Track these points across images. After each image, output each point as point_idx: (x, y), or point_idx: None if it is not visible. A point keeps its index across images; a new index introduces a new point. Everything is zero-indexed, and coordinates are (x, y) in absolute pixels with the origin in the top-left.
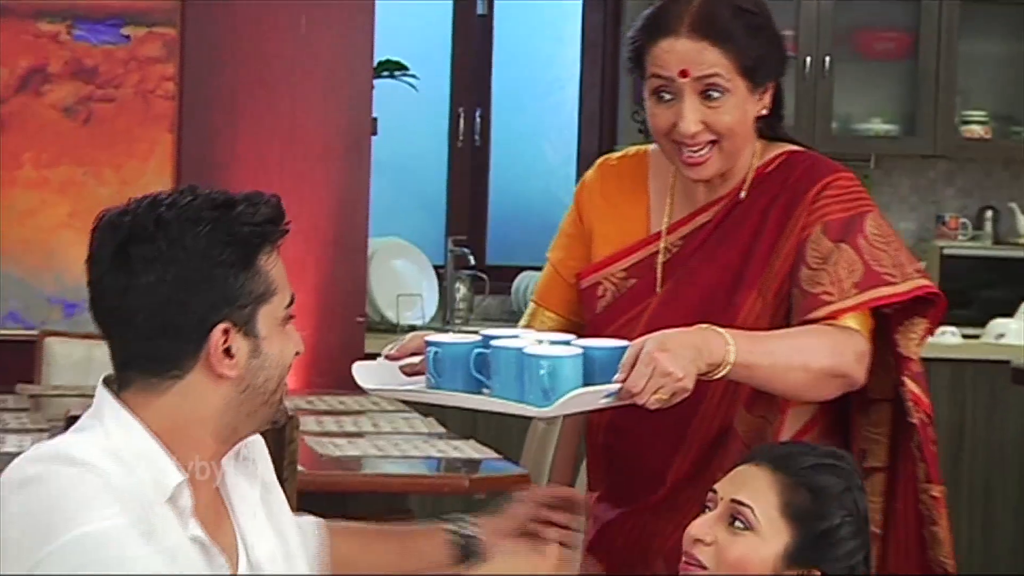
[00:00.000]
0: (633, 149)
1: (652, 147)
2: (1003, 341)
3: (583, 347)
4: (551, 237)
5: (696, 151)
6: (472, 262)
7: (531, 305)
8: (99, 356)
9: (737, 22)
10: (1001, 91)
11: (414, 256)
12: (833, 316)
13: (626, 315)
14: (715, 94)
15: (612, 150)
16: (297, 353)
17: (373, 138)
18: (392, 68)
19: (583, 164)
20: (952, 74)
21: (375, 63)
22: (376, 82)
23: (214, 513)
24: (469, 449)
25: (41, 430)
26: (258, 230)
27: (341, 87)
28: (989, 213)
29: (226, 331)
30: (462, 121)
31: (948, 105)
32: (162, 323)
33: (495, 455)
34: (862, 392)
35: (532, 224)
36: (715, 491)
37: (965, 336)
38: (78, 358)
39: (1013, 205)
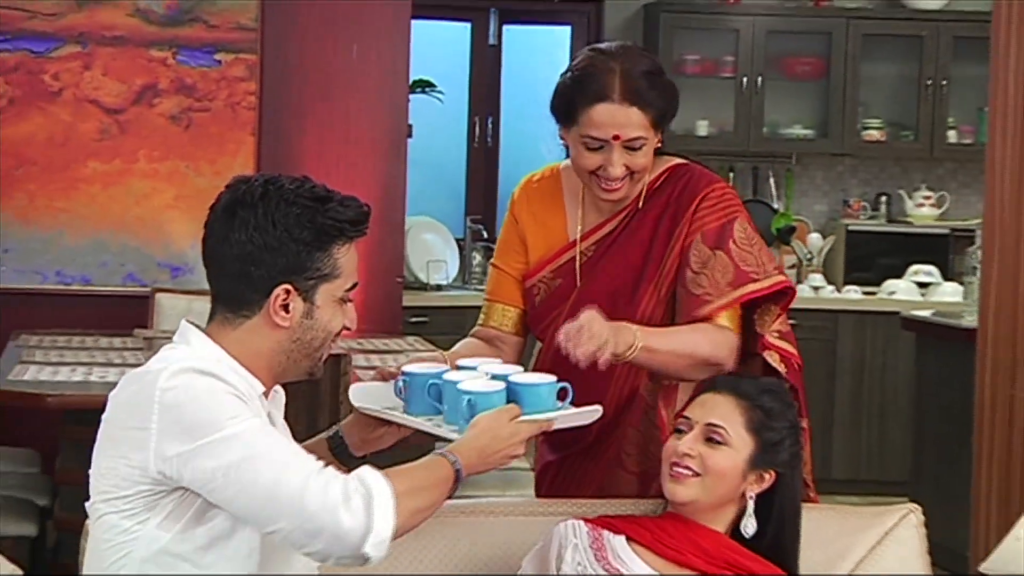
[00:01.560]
0: (548, 169)
1: (562, 165)
2: (894, 296)
3: (512, 382)
4: None
5: (615, 187)
6: (485, 235)
7: (485, 304)
8: (197, 308)
9: (651, 87)
10: (893, 104)
11: (440, 231)
12: (713, 314)
13: (556, 309)
14: (636, 147)
15: None
16: (347, 327)
17: (409, 140)
18: (423, 85)
19: None
20: (855, 91)
21: (410, 81)
22: (411, 96)
23: None
24: None
25: None
26: (338, 225)
27: (384, 100)
28: (884, 198)
29: (287, 291)
30: (477, 127)
31: (852, 115)
32: (242, 272)
33: None
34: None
35: None
36: (688, 417)
37: (865, 293)
38: (181, 309)
39: (902, 192)
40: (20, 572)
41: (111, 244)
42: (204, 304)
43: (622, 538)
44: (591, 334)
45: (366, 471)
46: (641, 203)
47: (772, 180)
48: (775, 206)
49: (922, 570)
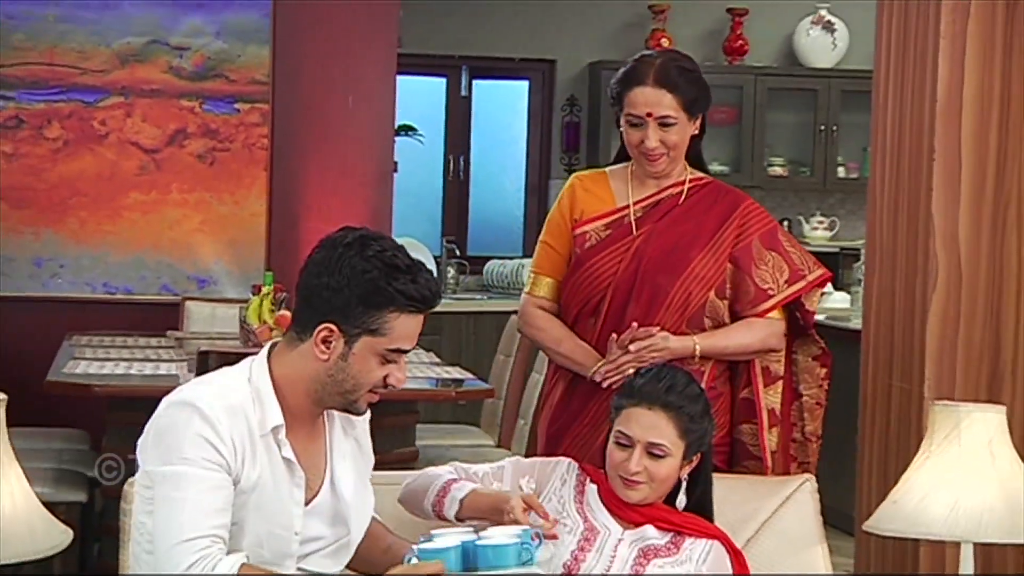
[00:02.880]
0: (594, 170)
1: (608, 170)
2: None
3: (468, 541)
4: (509, 238)
5: (655, 156)
6: (458, 253)
7: (532, 275)
8: (219, 314)
9: (681, 77)
10: (793, 145)
11: (421, 249)
12: (772, 308)
13: (608, 249)
14: (668, 124)
15: (548, 182)
16: (389, 385)
17: (394, 174)
18: (406, 129)
19: (529, 190)
20: (762, 134)
21: (395, 126)
22: (396, 139)
23: (311, 446)
24: (455, 372)
25: (182, 360)
26: (396, 296)
27: (374, 141)
28: (786, 223)
29: (330, 330)
30: (451, 163)
31: (760, 153)
32: (306, 299)
33: (472, 376)
34: None
35: (496, 229)
36: (627, 434)
37: None
38: (206, 315)
39: (801, 217)
40: (71, 533)
41: (149, 261)
42: (226, 310)
43: (595, 488)
44: (661, 348)
45: (235, 560)
46: (684, 194)
47: None
48: None
49: (816, 527)
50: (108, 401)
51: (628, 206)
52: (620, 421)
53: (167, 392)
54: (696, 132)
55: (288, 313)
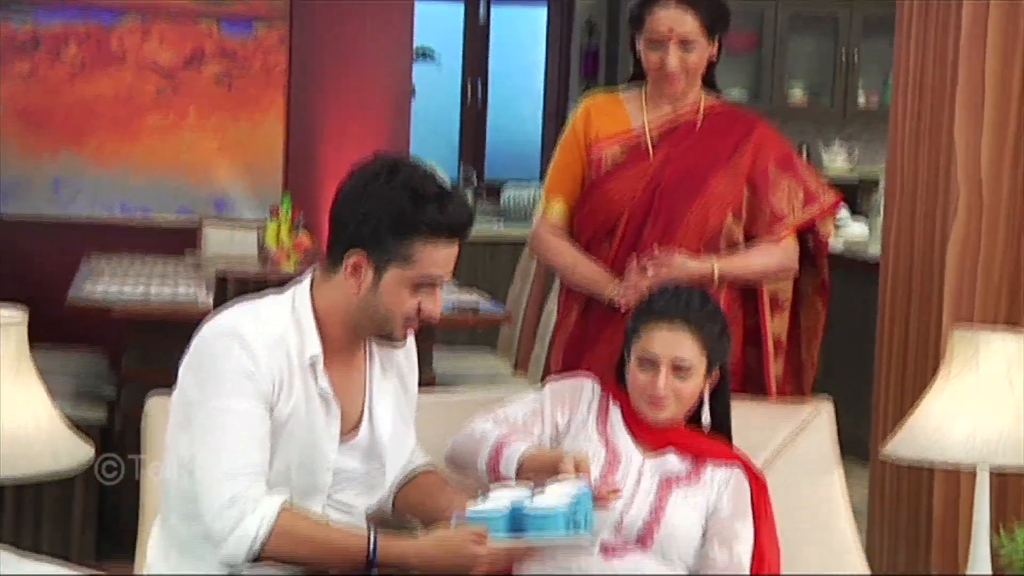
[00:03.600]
0: (607, 89)
1: (621, 87)
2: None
3: (517, 507)
4: (526, 163)
5: (674, 78)
6: (476, 179)
7: (543, 199)
8: (237, 237)
9: None
10: (813, 73)
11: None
12: (788, 232)
13: (624, 174)
14: (689, 45)
15: (566, 108)
16: (424, 315)
17: (412, 99)
18: (425, 53)
19: (547, 116)
20: (783, 61)
21: (414, 49)
22: (414, 64)
23: (349, 381)
24: (473, 296)
25: (200, 282)
26: (423, 224)
27: (391, 65)
28: (804, 151)
29: (360, 259)
30: (469, 88)
31: (780, 81)
32: (339, 230)
33: (489, 301)
34: None
35: (513, 154)
36: (653, 352)
37: None
38: (223, 237)
39: (819, 143)
40: (92, 450)
41: (167, 182)
42: (243, 233)
43: (618, 410)
44: (671, 269)
45: (276, 501)
46: (700, 117)
47: None
48: None
49: (833, 453)
50: (127, 322)
51: (643, 128)
52: (641, 342)
53: (186, 314)
54: (714, 55)
55: (304, 238)
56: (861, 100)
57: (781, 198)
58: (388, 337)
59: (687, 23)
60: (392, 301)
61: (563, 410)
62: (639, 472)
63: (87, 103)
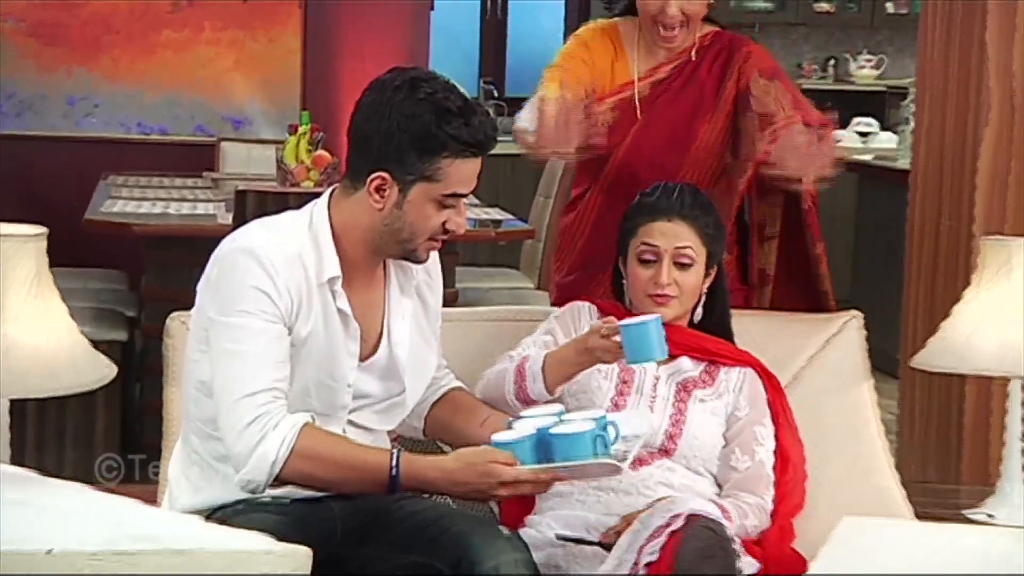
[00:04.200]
0: (604, 21)
1: (617, 20)
2: (839, 145)
3: (543, 431)
4: None
5: (672, 29)
6: (496, 95)
7: (550, 87)
8: (255, 155)
9: None
10: None
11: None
12: (784, 124)
13: (615, 135)
14: None
15: (587, 21)
16: (449, 230)
17: (431, 11)
18: None
19: (568, 30)
20: None
21: None
22: None
23: (368, 301)
24: (495, 212)
25: (219, 200)
26: (448, 140)
27: None
28: (832, 61)
29: (383, 178)
30: (490, 1)
31: None
32: (358, 147)
33: (512, 216)
34: (760, 183)
35: (535, 68)
36: (653, 245)
37: None
38: (241, 156)
39: (847, 55)
40: (115, 368)
41: (183, 100)
42: (262, 151)
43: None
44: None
45: (296, 421)
46: (694, 54)
47: None
48: None
49: (863, 364)
50: (146, 240)
51: (633, 82)
52: (639, 237)
53: (206, 232)
54: (713, 3)
55: (325, 153)
56: (890, 7)
57: (769, 102)
58: (410, 256)
59: None
60: (417, 219)
61: (570, 335)
62: (654, 380)
63: (102, 18)
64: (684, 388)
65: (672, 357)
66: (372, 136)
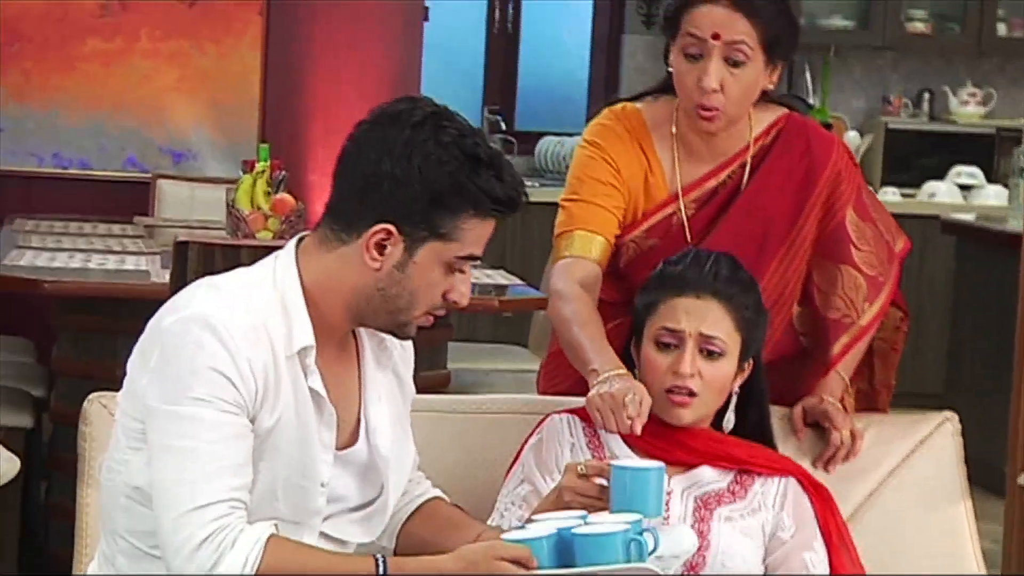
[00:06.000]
0: (623, 108)
1: (640, 105)
2: (935, 199)
3: (565, 530)
4: (568, 109)
5: (710, 107)
6: (503, 127)
7: (562, 233)
8: (200, 196)
9: (767, 2)
10: None
11: None
12: (889, 300)
13: (654, 259)
14: (738, 60)
15: (620, 37)
16: (451, 301)
17: (425, 24)
18: None
19: (596, 47)
20: None
21: None
22: None
23: (342, 380)
24: (499, 276)
25: (153, 253)
26: (480, 196)
27: None
28: (927, 95)
29: (389, 232)
30: (497, 11)
31: (896, 4)
32: (359, 191)
33: (520, 282)
34: None
35: (554, 97)
36: (674, 329)
37: (904, 195)
38: (183, 197)
39: (946, 88)
40: (18, 461)
41: (110, 126)
42: (207, 192)
43: (618, 437)
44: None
45: (259, 534)
46: (749, 161)
47: (808, 74)
48: (810, 101)
49: (958, 480)
50: (60, 302)
51: (677, 198)
52: (659, 317)
53: (136, 293)
54: (771, 84)
55: (288, 196)
56: (1002, 28)
57: (868, 256)
58: (398, 330)
59: (739, 27)
60: (422, 283)
61: (549, 476)
62: (666, 496)
63: (10, 22)
64: (704, 505)
65: (689, 466)
66: (382, 179)
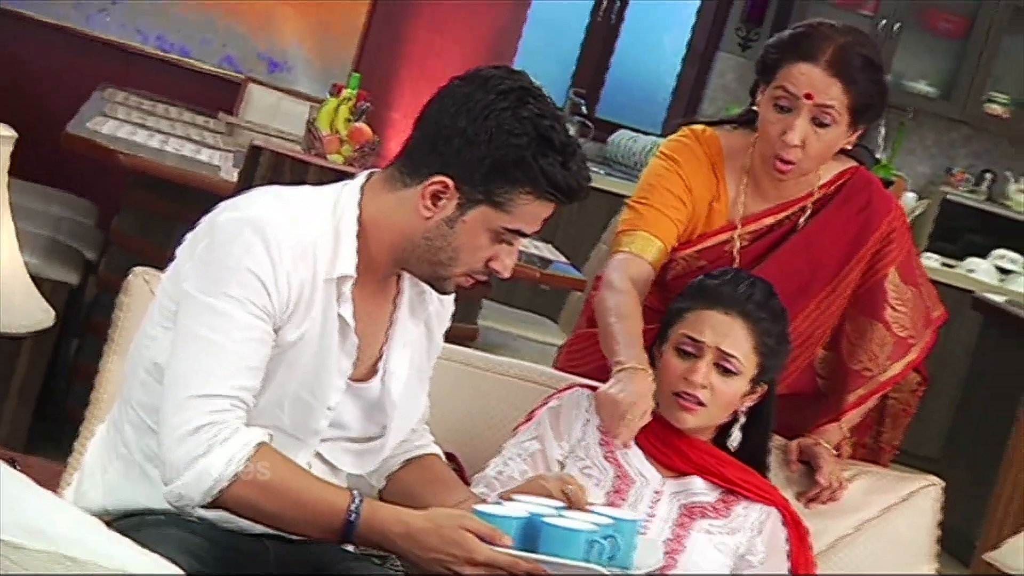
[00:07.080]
0: (703, 131)
1: (720, 133)
2: (972, 275)
3: (535, 516)
4: (649, 108)
5: (787, 160)
6: (585, 111)
7: (642, 234)
8: (285, 107)
9: (863, 72)
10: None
11: None
12: (916, 361)
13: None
14: (824, 121)
15: (715, 54)
16: (493, 269)
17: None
18: None
19: (689, 58)
20: (990, 59)
21: None
22: None
23: (372, 316)
24: (546, 250)
25: (228, 150)
26: (539, 176)
27: None
28: (988, 175)
29: (446, 184)
30: (604, 1)
31: (981, 83)
32: (431, 140)
33: (564, 260)
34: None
35: (638, 94)
36: (697, 339)
37: (944, 264)
38: (269, 104)
39: (1009, 173)
40: (54, 314)
41: (218, 23)
42: (292, 104)
43: None
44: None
45: (251, 438)
46: (810, 206)
47: (883, 129)
48: (878, 155)
49: (929, 543)
50: (130, 175)
51: (734, 227)
52: (685, 324)
53: (203, 183)
54: (849, 146)
55: (366, 127)
56: None
57: (903, 318)
58: (436, 282)
59: (832, 92)
60: (466, 243)
61: (560, 442)
62: (655, 495)
63: None
64: (688, 513)
65: (683, 474)
66: (453, 134)
